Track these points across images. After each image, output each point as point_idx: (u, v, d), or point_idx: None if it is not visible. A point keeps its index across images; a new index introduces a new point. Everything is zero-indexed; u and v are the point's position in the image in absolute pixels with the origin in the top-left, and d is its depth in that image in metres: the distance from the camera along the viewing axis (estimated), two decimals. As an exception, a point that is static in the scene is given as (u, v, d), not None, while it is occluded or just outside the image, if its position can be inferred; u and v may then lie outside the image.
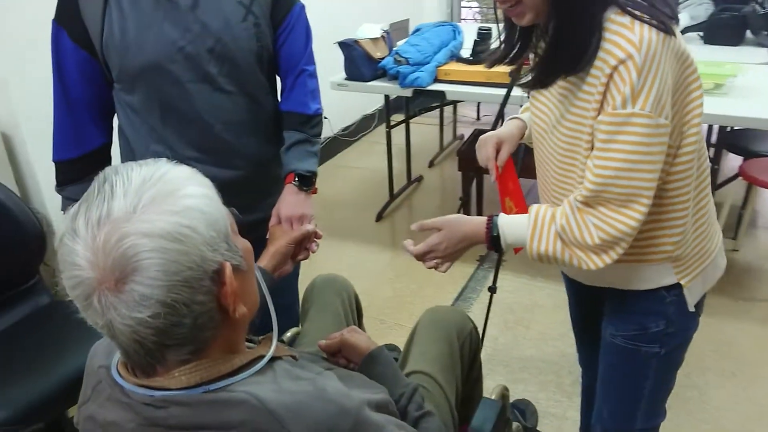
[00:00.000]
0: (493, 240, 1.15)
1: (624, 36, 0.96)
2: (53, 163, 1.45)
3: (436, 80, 2.92)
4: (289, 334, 1.46)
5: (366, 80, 3.01)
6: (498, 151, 1.38)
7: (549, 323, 2.53)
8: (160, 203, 0.69)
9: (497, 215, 1.16)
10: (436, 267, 1.21)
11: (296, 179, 1.49)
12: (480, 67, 2.82)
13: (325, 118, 4.03)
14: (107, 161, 1.50)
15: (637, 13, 0.96)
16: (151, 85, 1.35)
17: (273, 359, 0.83)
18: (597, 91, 1.00)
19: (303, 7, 1.51)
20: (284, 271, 1.33)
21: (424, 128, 4.64)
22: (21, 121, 2.11)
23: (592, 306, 1.40)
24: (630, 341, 1.23)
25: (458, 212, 2.94)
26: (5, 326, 1.87)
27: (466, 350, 1.38)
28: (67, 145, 1.42)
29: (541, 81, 1.08)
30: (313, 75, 1.58)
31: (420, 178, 3.94)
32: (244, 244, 0.81)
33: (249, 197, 1.53)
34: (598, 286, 1.27)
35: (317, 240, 1.42)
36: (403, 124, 3.62)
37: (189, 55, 1.34)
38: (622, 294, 1.23)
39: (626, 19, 0.97)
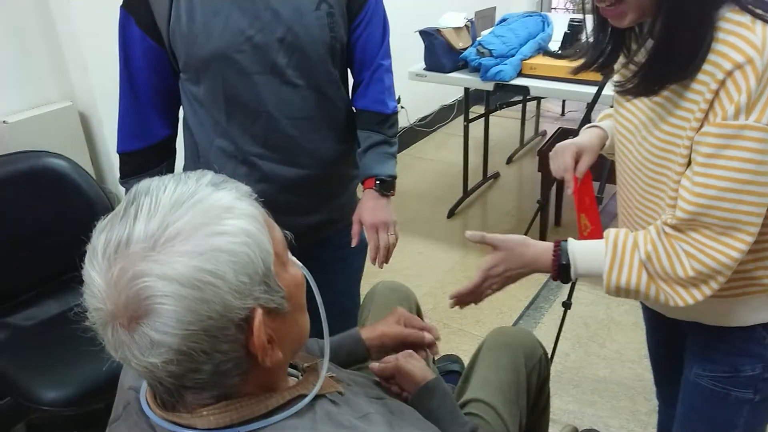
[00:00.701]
0: (561, 269, 1.03)
1: (743, 37, 0.83)
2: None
3: (521, 74, 2.77)
4: (344, 344, 1.38)
5: (446, 71, 2.90)
6: (577, 162, 1.25)
7: (626, 342, 2.35)
8: (185, 240, 0.60)
9: (566, 240, 1.05)
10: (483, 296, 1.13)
11: (377, 184, 1.45)
12: (569, 62, 2.65)
13: (402, 107, 3.93)
14: (171, 154, 1.47)
15: (759, 11, 0.83)
16: (216, 75, 1.29)
17: (315, 397, 0.74)
18: (703, 99, 0.87)
19: None
20: (378, 358, 1.13)
21: (505, 121, 4.46)
22: (99, 102, 2.13)
23: (673, 337, 1.26)
24: (719, 384, 1.09)
25: (535, 216, 2.80)
26: (73, 305, 1.89)
27: (534, 380, 1.27)
28: (131, 136, 1.39)
29: (646, 88, 0.95)
30: (389, 70, 1.50)
31: (497, 175, 3.78)
32: (293, 278, 0.71)
33: (313, 198, 1.46)
34: (682, 320, 1.14)
35: (430, 351, 1.20)
36: (482, 118, 3.46)
37: (257, 44, 1.27)
38: (710, 330, 1.09)
39: (746, 18, 0.84)
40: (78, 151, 2.12)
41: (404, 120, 4.03)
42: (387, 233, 1.45)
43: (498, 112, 3.64)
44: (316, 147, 1.41)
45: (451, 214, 3.35)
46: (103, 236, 0.62)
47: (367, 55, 1.45)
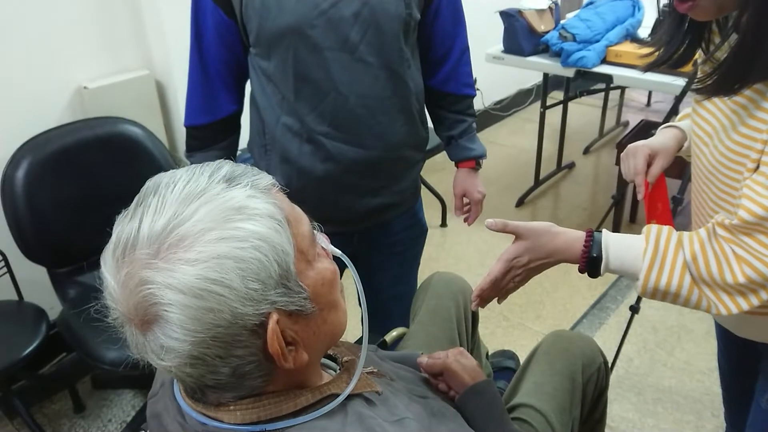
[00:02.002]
0: (590, 262, 0.95)
1: None
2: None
3: (604, 61, 2.64)
4: (394, 333, 1.36)
5: (525, 55, 2.79)
6: (649, 165, 1.17)
7: (696, 352, 2.22)
8: (189, 247, 0.58)
9: (600, 231, 0.97)
10: (506, 292, 1.04)
11: (478, 164, 1.61)
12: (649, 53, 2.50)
13: (477, 89, 3.82)
14: (236, 129, 1.47)
15: None
16: (287, 50, 1.27)
17: (350, 396, 0.72)
18: None
19: None
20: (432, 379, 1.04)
21: (584, 109, 4.27)
22: (175, 71, 2.16)
23: (746, 358, 1.18)
24: None
25: (608, 211, 2.67)
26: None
27: (591, 389, 1.20)
28: (199, 110, 1.40)
29: (725, 87, 0.85)
30: (468, 50, 1.51)
31: (571, 165, 3.63)
32: (320, 275, 0.67)
33: (377, 180, 1.44)
34: (752, 340, 1.05)
35: None
36: (561, 105, 3.32)
37: (331, 19, 1.24)
38: None
39: None
40: (153, 119, 2.17)
41: (479, 103, 3.93)
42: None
43: (578, 99, 3.48)
44: (383, 128, 1.37)
45: (520, 203, 3.25)
46: (115, 234, 0.61)
47: (448, 35, 1.44)
